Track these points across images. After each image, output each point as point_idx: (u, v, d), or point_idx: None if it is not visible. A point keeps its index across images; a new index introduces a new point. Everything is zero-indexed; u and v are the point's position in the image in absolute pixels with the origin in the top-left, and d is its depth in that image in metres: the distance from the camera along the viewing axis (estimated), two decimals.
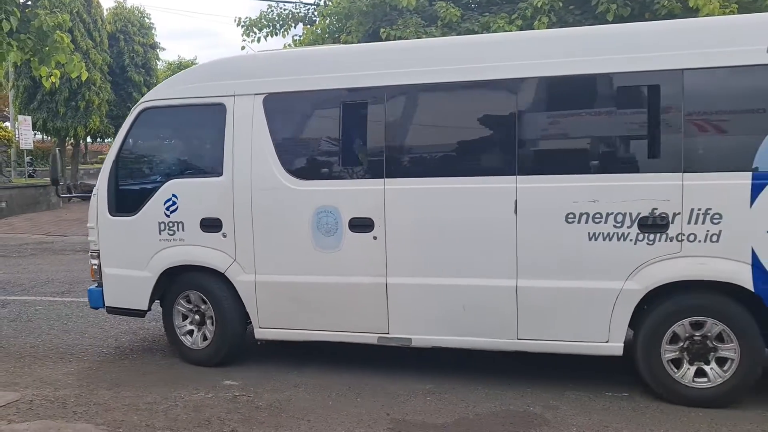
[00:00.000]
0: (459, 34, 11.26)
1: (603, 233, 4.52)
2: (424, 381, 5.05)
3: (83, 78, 7.97)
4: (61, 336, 6.51)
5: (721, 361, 4.44)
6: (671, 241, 4.41)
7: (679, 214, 4.38)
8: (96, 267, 5.79)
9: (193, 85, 5.49)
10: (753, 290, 4.30)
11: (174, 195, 5.43)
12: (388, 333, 5.03)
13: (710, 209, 4.34)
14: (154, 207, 5.48)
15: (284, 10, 14.50)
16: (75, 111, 23.27)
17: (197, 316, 5.57)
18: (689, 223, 4.37)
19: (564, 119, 4.83)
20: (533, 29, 10.78)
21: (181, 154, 5.96)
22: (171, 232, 5.44)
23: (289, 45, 14.34)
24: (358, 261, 5.02)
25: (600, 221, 4.52)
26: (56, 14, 7.28)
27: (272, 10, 14.30)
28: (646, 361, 4.57)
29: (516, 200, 4.66)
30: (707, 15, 9.49)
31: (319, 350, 5.78)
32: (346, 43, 11.97)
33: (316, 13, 14.31)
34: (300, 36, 14.36)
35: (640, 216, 4.44)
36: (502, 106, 4.83)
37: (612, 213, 4.49)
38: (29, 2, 7.24)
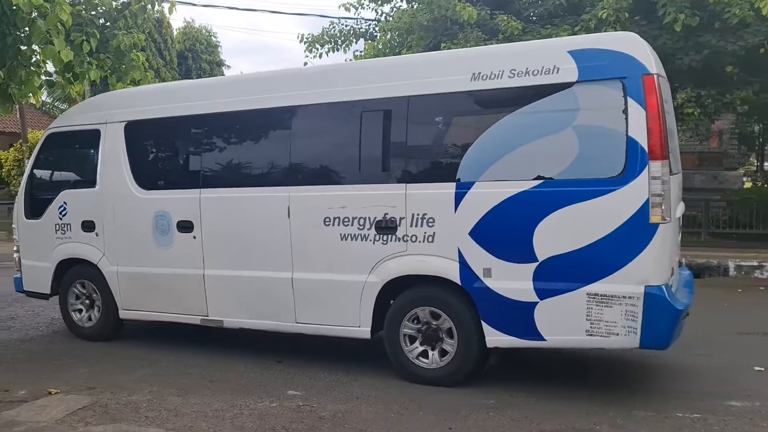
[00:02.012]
0: None
1: (351, 234, 5.40)
2: (486, 396, 5.01)
3: None
4: (132, 342, 6.77)
5: (443, 352, 5.22)
6: (399, 241, 5.23)
7: (404, 218, 5.19)
8: (17, 259, 7.33)
9: (83, 114, 6.93)
10: (460, 284, 5.04)
11: (65, 202, 6.83)
12: (207, 315, 6.15)
13: (426, 214, 5.13)
14: (52, 212, 6.88)
15: (346, 26, 14.77)
16: None
17: (87, 301, 6.90)
18: (411, 226, 5.17)
19: (321, 139, 5.74)
20: None
21: (71, 170, 7.29)
22: (63, 232, 6.83)
23: (350, 60, 14.60)
24: (184, 256, 6.14)
25: (348, 224, 5.41)
26: (133, 34, 7.63)
27: (334, 27, 14.57)
28: (389, 338, 5.39)
29: (289, 206, 5.63)
30: None
31: (381, 362, 5.82)
32: None
33: (377, 28, 14.52)
34: (361, 51, 14.58)
35: (376, 220, 5.29)
36: (279, 129, 5.88)
37: (356, 217, 5.37)
38: (108, 24, 7.62)
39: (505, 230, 4.89)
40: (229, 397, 5.07)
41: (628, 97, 4.56)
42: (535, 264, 4.80)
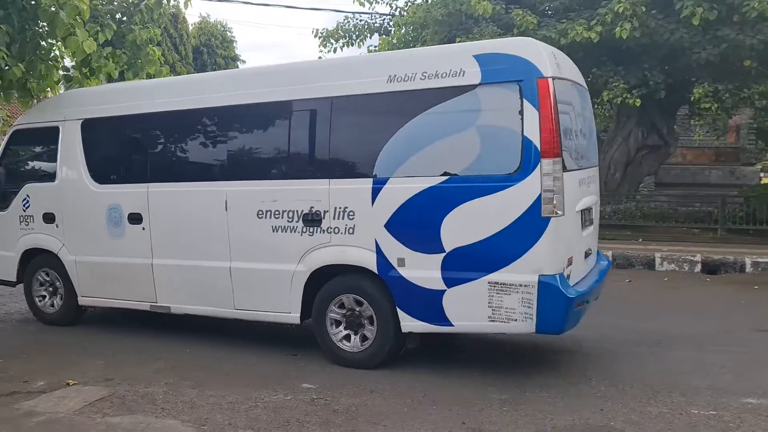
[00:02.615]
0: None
1: (281, 226, 5.74)
2: (500, 390, 5.02)
3: None
4: (148, 335, 6.84)
5: (364, 337, 5.58)
6: (324, 233, 5.57)
7: (327, 211, 5.53)
8: None
9: (44, 112, 7.24)
10: (377, 273, 5.39)
11: (28, 195, 7.19)
12: (156, 302, 6.51)
13: (347, 207, 5.46)
14: (17, 205, 7.26)
15: (360, 20, 14.77)
16: None
17: (51, 288, 7.25)
18: (334, 218, 5.51)
19: (254, 137, 6.06)
20: (614, 35, 10.56)
21: (33, 165, 7.70)
22: (26, 224, 7.20)
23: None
24: (135, 246, 6.50)
25: (279, 217, 5.74)
26: (149, 29, 7.68)
27: (348, 21, 14.58)
28: (316, 323, 5.75)
29: (226, 200, 5.97)
30: None
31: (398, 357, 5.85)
32: None
33: (391, 23, 14.49)
34: (376, 46, 14.58)
35: (303, 213, 5.64)
36: (216, 128, 6.19)
37: (286, 210, 5.71)
38: (124, 18, 7.68)
39: (416, 223, 5.23)
40: (244, 389, 5.12)
41: (523, 99, 4.85)
42: (443, 254, 5.14)
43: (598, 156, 6.54)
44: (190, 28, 26.56)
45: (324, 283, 5.69)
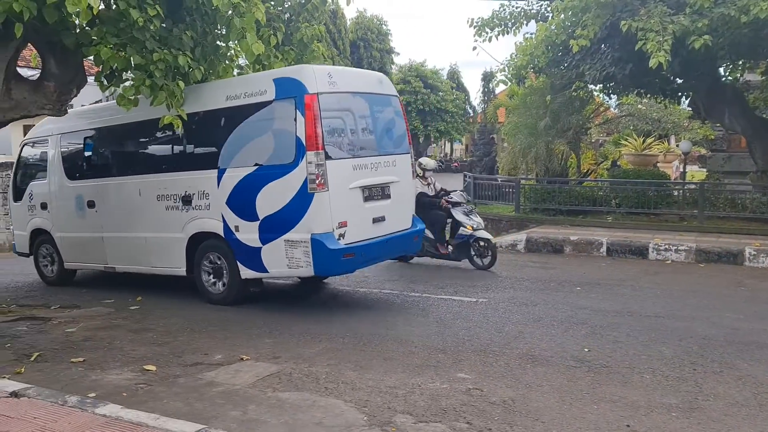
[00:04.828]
0: (711, 20, 10.26)
1: (170, 206, 7.91)
2: (670, 394, 4.74)
3: None
4: (312, 317, 7.24)
5: (224, 284, 7.72)
6: (194, 209, 7.70)
7: (194, 194, 7.66)
8: (12, 231, 10.76)
9: (42, 128, 9.82)
10: (224, 237, 7.45)
11: (32, 191, 9.88)
12: (107, 264, 8.91)
13: (204, 191, 7.57)
14: (26, 197, 9.97)
15: (516, 8, 14.41)
16: None
17: (50, 258, 9.80)
18: (198, 199, 7.63)
19: (150, 143, 8.52)
20: None
21: (35, 168, 10.02)
22: (31, 211, 9.87)
23: (520, 43, 14.25)
24: (92, 224, 8.93)
25: (169, 199, 7.90)
26: (314, 26, 8.06)
27: (504, 9, 14.28)
28: (196, 274, 7.89)
29: (139, 189, 8.26)
30: None
31: (554, 351, 5.71)
32: (580, 37, 11.57)
33: (549, 9, 14.02)
34: (532, 33, 14.19)
35: (182, 196, 7.77)
36: (129, 137, 8.74)
37: (172, 194, 7.86)
38: (292, 17, 8.12)
39: (242, 200, 7.22)
40: (402, 375, 5.25)
41: (297, 110, 6.75)
42: (258, 222, 7.14)
43: (408, 146, 8.20)
44: (348, 23, 27.47)
45: (198, 245, 7.78)
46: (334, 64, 24.19)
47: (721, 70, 13.84)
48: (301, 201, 6.75)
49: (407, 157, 8.09)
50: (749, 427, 4.22)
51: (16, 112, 6.83)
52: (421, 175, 10.25)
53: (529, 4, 14.51)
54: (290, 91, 6.81)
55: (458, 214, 9.91)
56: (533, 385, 4.99)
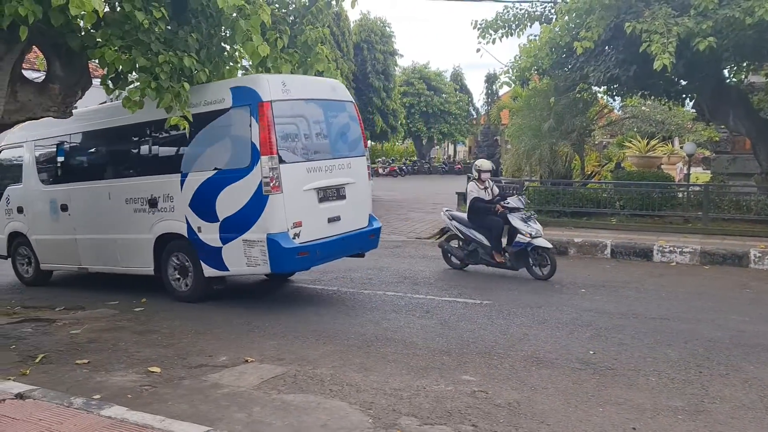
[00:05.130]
0: (716, 22, 10.24)
1: (138, 208, 8.24)
2: (675, 398, 4.72)
3: None
4: (315, 320, 7.23)
5: (189, 282, 8.07)
6: (159, 212, 8.02)
7: (159, 197, 7.97)
8: None
9: (20, 133, 9.82)
10: (188, 237, 7.77)
11: (8, 195, 10.14)
12: (81, 265, 9.23)
13: (169, 194, 7.89)
14: (3, 201, 10.18)
15: (520, 10, 14.40)
16: None
17: (27, 260, 10.06)
18: (164, 202, 7.94)
19: (119, 149, 8.82)
20: None
21: (11, 173, 10.24)
22: (8, 215, 10.13)
23: (524, 45, 14.23)
24: (66, 226, 9.21)
25: (136, 202, 8.24)
26: (318, 29, 8.07)
27: (508, 11, 14.27)
28: (164, 272, 8.21)
29: (109, 192, 8.60)
30: None
31: (559, 354, 5.70)
32: (584, 39, 11.56)
33: (553, 11, 14.02)
34: (536, 35, 14.17)
35: (148, 199, 8.09)
36: (97, 144, 9.12)
37: (139, 198, 8.19)
38: (296, 20, 8.13)
39: (203, 202, 7.56)
40: (407, 377, 5.25)
41: (252, 117, 7.10)
42: (218, 223, 7.47)
43: (364, 149, 8.55)
44: (352, 25, 27.45)
45: (165, 246, 8.10)
46: (337, 66, 24.17)
47: (726, 71, 13.79)
48: (257, 203, 7.12)
49: (363, 160, 8.46)
50: (756, 430, 4.20)
51: (21, 114, 6.85)
52: (476, 177, 9.84)
53: (533, 6, 14.50)
54: (245, 99, 7.19)
55: (515, 220, 9.28)
56: (538, 388, 4.98)
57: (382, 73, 28.18)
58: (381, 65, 28.07)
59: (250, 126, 7.10)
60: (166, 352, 6.07)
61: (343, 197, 7.99)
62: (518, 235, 9.20)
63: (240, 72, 8.57)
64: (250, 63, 8.17)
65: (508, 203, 9.44)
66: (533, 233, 9.12)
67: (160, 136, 8.10)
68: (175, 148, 8.02)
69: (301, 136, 7.81)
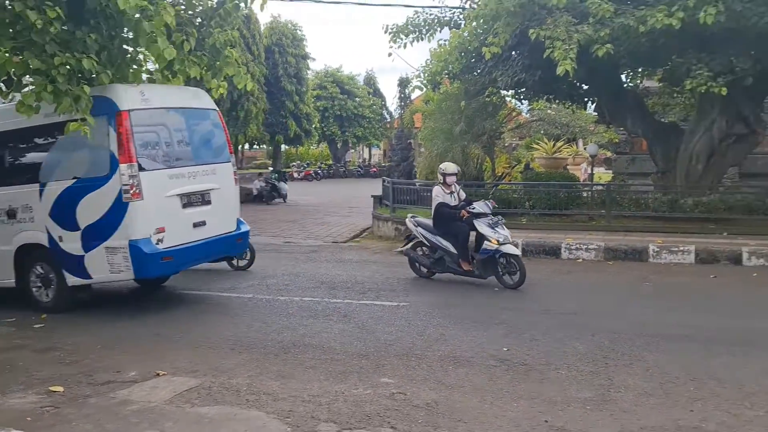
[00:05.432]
0: (612, 30, 10.78)
1: None
2: (584, 389, 4.91)
3: (249, 88, 8.56)
4: (230, 328, 7.03)
5: (52, 289, 7.91)
6: (18, 222, 7.92)
7: (18, 207, 7.88)
8: None
9: None
10: (49, 247, 7.68)
11: None
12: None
13: (27, 204, 7.81)
14: None
15: (430, 15, 14.63)
16: (235, 120, 25.05)
17: None
18: (23, 212, 7.86)
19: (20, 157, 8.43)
20: (698, 21, 10.10)
21: None
22: None
23: (435, 50, 14.48)
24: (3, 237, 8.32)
25: None
26: (227, 31, 7.88)
27: (418, 16, 14.46)
28: (25, 283, 8.02)
29: None
30: None
31: (473, 352, 5.81)
32: (492, 44, 11.88)
33: (462, 16, 14.33)
34: (446, 40, 14.44)
35: (6, 210, 7.98)
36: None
37: (2, 209, 8.00)
38: (204, 22, 7.90)
39: (64, 211, 7.51)
40: (325, 383, 5.20)
41: (110, 126, 7.18)
42: (80, 231, 7.45)
43: (229, 156, 8.69)
44: (262, 28, 27.09)
45: (26, 256, 7.99)
46: (248, 70, 23.79)
47: (623, 77, 14.57)
48: (118, 210, 7.22)
49: (228, 166, 8.60)
50: (657, 415, 4.43)
51: None
52: (442, 181, 9.38)
53: (443, 11, 14.76)
54: (103, 109, 7.13)
55: (482, 226, 8.82)
56: (455, 387, 5.06)
57: (294, 77, 28.01)
58: (293, 69, 27.89)
59: (108, 135, 7.19)
60: (69, 370, 5.74)
61: (209, 202, 8.12)
62: (485, 241, 8.73)
63: (144, 76, 8.22)
64: (156, 66, 7.89)
65: (473, 208, 8.99)
66: (501, 239, 8.68)
67: (18, 146, 8.11)
68: (32, 158, 8.08)
69: (162, 144, 7.95)
